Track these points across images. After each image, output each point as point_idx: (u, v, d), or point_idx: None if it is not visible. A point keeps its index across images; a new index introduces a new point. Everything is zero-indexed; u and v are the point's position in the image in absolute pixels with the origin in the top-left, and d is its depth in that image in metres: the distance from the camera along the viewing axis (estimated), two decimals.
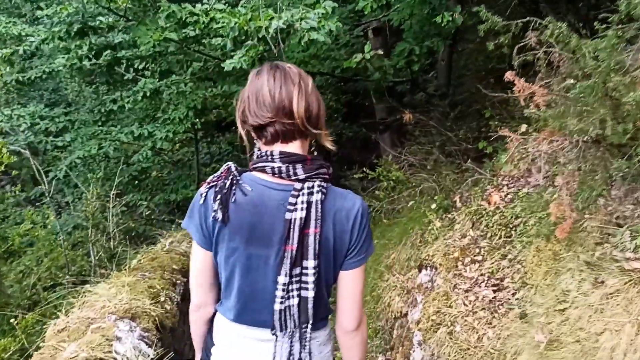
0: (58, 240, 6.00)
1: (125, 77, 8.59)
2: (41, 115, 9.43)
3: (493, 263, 3.95)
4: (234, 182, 1.57)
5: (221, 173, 1.61)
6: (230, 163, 1.64)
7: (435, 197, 5.29)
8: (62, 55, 6.24)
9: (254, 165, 1.60)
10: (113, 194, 5.94)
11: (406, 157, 6.59)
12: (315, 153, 1.66)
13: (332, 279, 1.66)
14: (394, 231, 6.13)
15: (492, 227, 4.22)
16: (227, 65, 4.28)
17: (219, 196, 1.54)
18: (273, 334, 1.61)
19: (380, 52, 4.62)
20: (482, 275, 3.94)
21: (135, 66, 8.05)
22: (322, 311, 1.69)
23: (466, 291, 3.86)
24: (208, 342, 1.79)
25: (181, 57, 7.35)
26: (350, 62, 4.70)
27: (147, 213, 8.56)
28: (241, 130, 1.65)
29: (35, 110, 9.52)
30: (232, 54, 4.44)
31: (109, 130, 8.36)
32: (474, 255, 4.20)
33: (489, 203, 4.41)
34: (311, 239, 1.51)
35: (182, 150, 11.56)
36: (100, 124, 9.44)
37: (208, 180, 1.63)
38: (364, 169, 6.06)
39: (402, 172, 5.70)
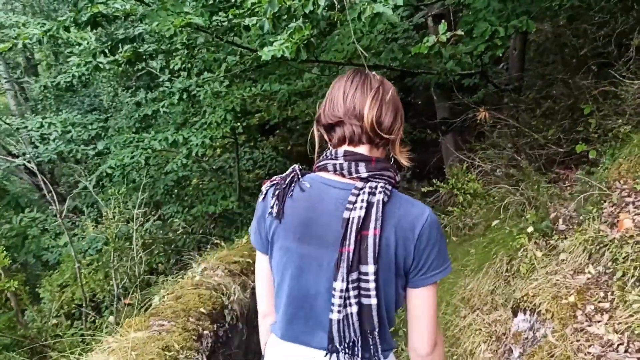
0: (74, 267, 5.12)
1: (160, 79, 7.74)
2: (73, 122, 8.69)
3: (633, 316, 2.79)
4: (295, 179, 1.50)
5: (286, 174, 1.53)
6: (296, 165, 1.55)
7: (527, 216, 4.14)
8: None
9: (317, 165, 1.52)
10: (137, 212, 5.00)
11: (476, 162, 5.44)
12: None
13: (392, 295, 1.45)
14: (470, 254, 4.99)
15: (624, 262, 3.05)
16: (265, 53, 3.27)
17: (277, 192, 1.49)
18: (327, 355, 1.45)
19: (460, 31, 3.50)
20: (618, 333, 2.78)
21: (172, 67, 7.20)
22: (384, 338, 1.50)
23: (598, 358, 2.71)
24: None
25: (217, 55, 6.41)
26: (420, 48, 3.62)
27: (182, 228, 7.66)
28: (315, 132, 1.58)
29: (68, 117, 8.79)
30: (272, 39, 3.42)
31: (141, 137, 7.49)
32: (599, 302, 3.04)
33: (615, 228, 3.23)
34: (370, 240, 1.35)
35: (224, 156, 10.67)
36: (134, 130, 8.64)
37: (272, 178, 1.55)
38: (434, 180, 4.94)
39: (481, 184, 4.57)
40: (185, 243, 7.74)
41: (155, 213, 8.59)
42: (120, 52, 4.60)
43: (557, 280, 3.33)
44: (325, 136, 1.55)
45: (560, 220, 3.86)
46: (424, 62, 5.90)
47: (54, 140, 8.36)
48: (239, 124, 10.90)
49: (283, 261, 1.49)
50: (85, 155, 8.00)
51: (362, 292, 1.38)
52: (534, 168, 4.54)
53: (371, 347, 1.45)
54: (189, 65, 7.17)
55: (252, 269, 5.25)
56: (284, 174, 1.54)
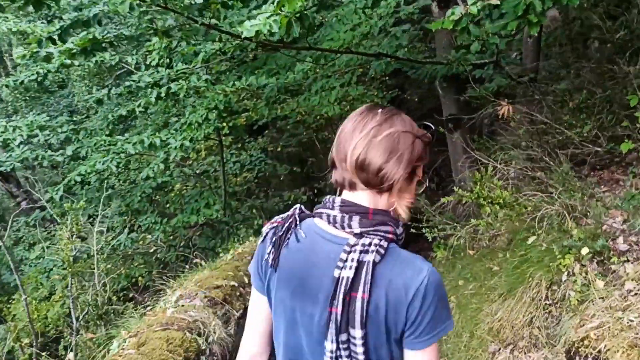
0: (21, 297, 4.25)
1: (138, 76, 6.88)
2: (41, 125, 7.80)
3: None
4: (292, 225, 1.41)
5: (288, 215, 1.44)
6: (299, 205, 1.46)
7: (572, 231, 3.35)
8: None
9: (315, 211, 1.42)
10: (100, 228, 4.16)
11: (496, 165, 4.64)
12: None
13: (386, 357, 1.34)
14: (494, 273, 4.20)
15: None
16: (247, 29, 2.47)
17: (274, 238, 1.42)
18: None
19: (494, 1, 2.71)
20: None
21: (149, 62, 6.36)
22: None
23: None
24: None
25: (198, 47, 5.55)
26: (444, 22, 2.82)
27: (160, 241, 6.81)
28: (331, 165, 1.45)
29: (35, 120, 7.90)
30: (258, 12, 2.62)
31: (113, 141, 6.63)
32: None
33: None
34: (358, 304, 1.26)
35: (208, 159, 9.81)
36: (108, 133, 7.77)
37: (272, 220, 1.48)
38: (456, 189, 4.12)
39: (510, 191, 3.75)
40: (162, 260, 6.91)
41: (133, 224, 7.75)
42: (74, 40, 3.75)
43: (631, 321, 2.54)
44: None
45: (621, 239, 3.06)
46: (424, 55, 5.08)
47: (18, 145, 7.47)
48: (224, 124, 10.12)
49: (279, 311, 1.44)
50: (51, 162, 7.11)
51: (352, 355, 1.32)
52: (566, 171, 3.75)
53: None
54: (168, 60, 6.36)
55: (237, 293, 4.45)
56: (285, 215, 1.46)
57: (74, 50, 3.77)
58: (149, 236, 6.68)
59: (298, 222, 1.42)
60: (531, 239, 3.59)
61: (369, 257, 1.27)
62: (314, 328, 1.36)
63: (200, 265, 4.56)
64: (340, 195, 1.40)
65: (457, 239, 4.88)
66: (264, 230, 1.48)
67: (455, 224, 5.42)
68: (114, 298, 8.06)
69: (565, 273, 3.29)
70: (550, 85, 4.72)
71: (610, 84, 4.51)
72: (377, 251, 1.28)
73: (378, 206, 1.36)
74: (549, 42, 6.33)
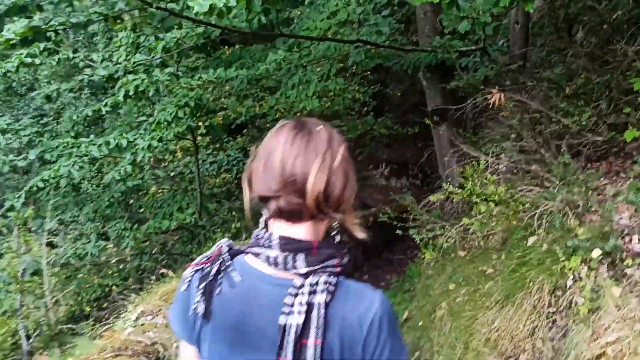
0: None
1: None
2: (3, 128, 7.30)
3: None
4: (222, 267, 1.23)
5: (212, 254, 1.27)
6: (223, 241, 1.28)
7: (576, 230, 2.97)
8: None
9: (249, 249, 1.23)
10: (44, 242, 3.70)
11: (487, 159, 4.26)
12: (337, 238, 1.27)
13: None
14: (488, 277, 3.82)
15: None
16: (199, 3, 2.05)
17: (202, 284, 1.22)
18: None
19: None
20: None
21: (116, 59, 5.90)
22: None
23: None
24: None
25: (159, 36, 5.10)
26: None
27: (131, 248, 6.36)
28: (245, 194, 1.27)
29: None
30: None
31: (76, 143, 6.17)
32: None
33: None
34: (310, 352, 1.13)
35: (184, 160, 9.35)
36: (73, 135, 7.30)
37: (195, 261, 1.28)
38: (445, 185, 3.72)
39: (505, 187, 3.37)
40: (140, 268, 6.46)
41: (106, 231, 7.29)
42: (9, 29, 3.29)
43: None
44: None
45: (635, 237, 2.69)
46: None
47: None
48: (199, 123, 9.67)
49: None
50: (12, 167, 6.62)
51: None
52: (563, 162, 3.37)
53: None
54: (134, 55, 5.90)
55: None
56: (209, 253, 1.28)
57: (14, 41, 3.31)
58: (110, 245, 6.20)
59: (228, 263, 1.25)
60: (531, 240, 3.21)
61: (319, 299, 1.15)
62: None
63: (168, 275, 4.13)
64: (270, 223, 1.24)
65: (446, 240, 4.51)
66: (186, 274, 1.28)
67: (444, 223, 5.05)
68: (87, 308, 7.64)
69: (571, 277, 2.92)
70: (544, 71, 4.35)
71: (607, 68, 4.15)
72: (327, 290, 1.16)
73: (319, 235, 1.25)
74: (534, 30, 5.98)
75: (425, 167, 11.01)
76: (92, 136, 6.59)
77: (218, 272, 1.24)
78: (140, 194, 8.50)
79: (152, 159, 10.23)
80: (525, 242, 3.40)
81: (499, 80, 5.17)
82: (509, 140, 4.29)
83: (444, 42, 4.65)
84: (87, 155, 6.03)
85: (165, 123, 6.07)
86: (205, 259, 1.28)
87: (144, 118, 6.51)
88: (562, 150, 3.43)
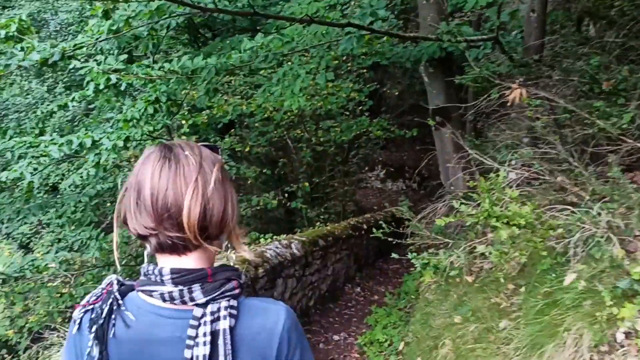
0: None
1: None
2: None
3: None
4: (114, 307, 1.15)
5: (102, 292, 1.18)
6: (112, 277, 1.19)
7: (634, 268, 2.25)
8: None
9: (140, 288, 1.15)
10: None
11: (499, 168, 3.53)
12: (233, 257, 1.36)
13: None
14: (506, 315, 3.09)
15: None
16: None
17: (94, 327, 1.13)
18: None
19: None
20: None
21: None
22: None
23: None
24: None
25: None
26: None
27: (96, 260, 5.62)
28: (115, 232, 1.22)
29: None
30: None
31: (34, 142, 5.41)
32: None
33: None
34: None
35: None
36: (37, 132, 6.55)
37: (84, 300, 1.18)
38: (456, 203, 2.97)
39: (531, 206, 2.63)
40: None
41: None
42: None
43: None
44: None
45: None
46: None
47: None
48: (183, 121, 8.93)
49: None
50: None
51: None
52: (617, 176, 2.66)
53: None
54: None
55: None
56: (98, 291, 1.19)
57: None
58: (69, 257, 5.47)
59: (120, 302, 1.15)
60: (570, 277, 2.47)
61: (223, 325, 1.12)
62: None
63: None
64: (157, 256, 1.16)
65: (450, 262, 3.78)
66: (76, 316, 1.18)
67: (447, 241, 4.33)
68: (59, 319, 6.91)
69: (622, 330, 2.20)
70: (572, 64, 3.62)
71: None
72: (230, 314, 1.13)
73: (211, 259, 1.20)
74: (552, 20, 5.26)
75: (423, 170, 10.32)
76: (54, 134, 5.86)
77: (110, 312, 1.16)
78: (115, 197, 7.79)
79: (132, 159, 9.54)
80: (554, 274, 2.67)
81: (514, 75, 4.45)
82: (528, 146, 3.56)
83: (452, 28, 3.93)
84: (45, 156, 5.29)
85: (134, 120, 5.33)
86: (94, 297, 1.19)
87: (111, 115, 5.75)
88: (608, 162, 2.70)
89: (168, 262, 1.14)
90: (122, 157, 9.04)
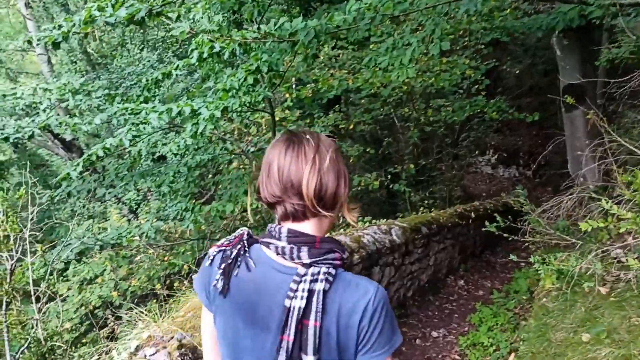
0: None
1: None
2: (74, 89, 6.68)
3: None
4: (241, 253, 1.42)
5: (234, 238, 1.46)
6: (244, 229, 1.48)
7: None
8: None
9: (262, 240, 1.43)
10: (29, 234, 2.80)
11: None
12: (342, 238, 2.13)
13: None
14: None
15: None
16: None
17: (223, 265, 1.41)
18: None
19: None
20: None
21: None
22: None
23: None
24: None
25: None
26: None
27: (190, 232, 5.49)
28: (248, 198, 1.57)
29: (68, 82, 6.80)
30: None
31: (136, 109, 5.33)
32: None
33: None
34: (310, 332, 1.31)
35: (268, 135, 8.40)
36: (142, 100, 6.53)
37: (219, 243, 1.48)
38: (605, 204, 2.37)
39: None
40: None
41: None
42: None
43: None
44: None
45: None
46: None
47: (44, 110, 6.41)
48: (287, 95, 8.67)
49: (227, 336, 1.43)
50: (75, 130, 5.96)
51: None
52: None
53: None
54: None
55: None
56: (232, 237, 1.47)
57: None
58: (164, 227, 5.37)
59: (247, 250, 1.42)
60: None
61: (319, 286, 1.30)
62: (265, 354, 1.36)
63: (188, 292, 3.12)
64: (281, 222, 1.40)
65: (579, 268, 3.15)
66: (211, 252, 1.47)
67: (575, 242, 3.66)
68: (160, 285, 7.01)
69: None
70: None
71: None
72: (326, 279, 1.31)
73: (323, 230, 1.41)
74: None
75: (539, 157, 9.35)
76: (156, 102, 5.78)
77: (237, 256, 1.41)
78: (218, 169, 7.70)
79: (235, 131, 9.47)
80: None
81: None
82: None
83: None
84: (145, 123, 5.21)
85: (234, 91, 5.08)
86: (227, 242, 1.45)
87: (211, 84, 5.54)
88: None
89: (290, 225, 1.37)
90: (225, 129, 9.01)
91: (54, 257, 4.81)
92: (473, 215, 8.14)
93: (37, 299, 2.92)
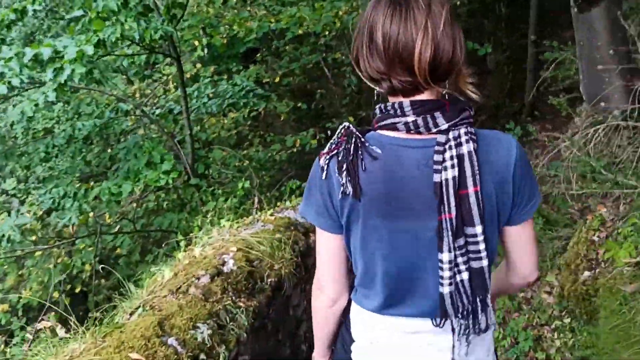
0: None
1: None
2: None
3: None
4: (359, 144, 1.19)
5: (339, 137, 1.22)
6: (346, 124, 1.23)
7: None
8: None
9: (380, 124, 1.19)
10: None
11: None
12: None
13: (495, 249, 1.25)
14: None
15: None
16: None
17: (344, 165, 1.19)
18: (437, 325, 1.24)
19: None
20: None
21: None
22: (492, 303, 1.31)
23: None
24: (345, 338, 1.43)
25: None
26: None
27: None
28: (357, 71, 1.21)
29: None
30: None
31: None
32: None
33: None
34: (472, 199, 1.13)
35: (175, 94, 6.72)
36: None
37: (325, 149, 1.24)
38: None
39: None
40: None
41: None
42: None
43: None
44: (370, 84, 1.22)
45: None
46: None
47: None
48: (196, 42, 6.98)
49: (369, 240, 1.23)
50: None
51: (471, 256, 1.18)
52: None
53: (485, 313, 1.22)
54: None
55: None
56: (336, 139, 1.22)
57: None
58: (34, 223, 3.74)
59: (364, 139, 1.20)
60: None
61: (467, 148, 1.14)
62: (420, 244, 1.20)
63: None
64: (393, 98, 1.19)
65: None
66: (322, 163, 1.24)
67: None
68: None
69: None
70: None
71: None
72: (472, 139, 1.14)
73: (439, 95, 1.19)
74: None
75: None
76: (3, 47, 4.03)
77: (356, 149, 1.19)
78: (115, 139, 5.99)
79: (137, 94, 7.70)
80: None
81: None
82: None
83: None
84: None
85: (111, 15, 3.46)
86: (334, 145, 1.22)
87: (80, 13, 3.85)
88: None
89: (405, 99, 1.16)
90: (125, 91, 7.24)
91: None
92: None
93: None
